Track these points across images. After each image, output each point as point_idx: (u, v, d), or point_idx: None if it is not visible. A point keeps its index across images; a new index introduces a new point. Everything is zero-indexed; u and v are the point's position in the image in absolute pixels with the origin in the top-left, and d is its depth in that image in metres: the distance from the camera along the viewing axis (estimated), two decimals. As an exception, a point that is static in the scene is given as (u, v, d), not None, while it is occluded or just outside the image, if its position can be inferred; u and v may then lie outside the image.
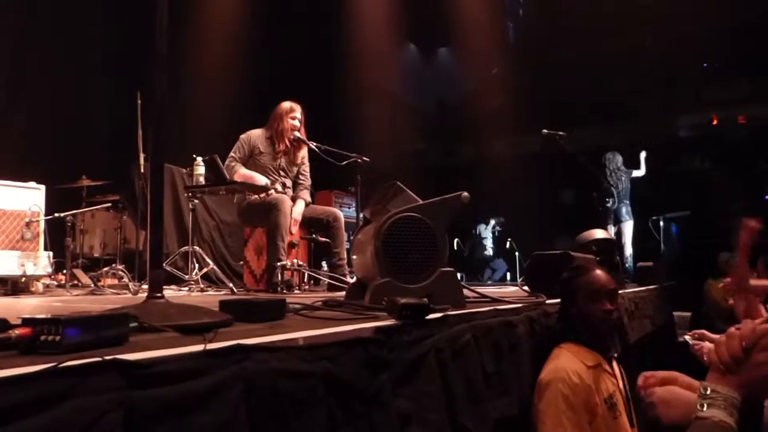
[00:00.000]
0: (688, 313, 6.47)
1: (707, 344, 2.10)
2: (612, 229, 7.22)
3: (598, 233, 4.72)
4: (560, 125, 6.72)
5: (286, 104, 4.44)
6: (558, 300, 2.34)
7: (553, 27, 9.41)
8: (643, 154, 7.59)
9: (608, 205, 7.26)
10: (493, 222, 9.87)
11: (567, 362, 2.03)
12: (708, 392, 1.04)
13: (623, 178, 7.41)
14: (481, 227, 9.89)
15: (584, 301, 2.16)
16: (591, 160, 6.91)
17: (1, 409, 0.63)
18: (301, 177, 4.56)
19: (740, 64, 8.63)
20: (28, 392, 0.67)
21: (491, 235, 9.87)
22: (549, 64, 9.40)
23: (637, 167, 7.56)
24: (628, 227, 7.39)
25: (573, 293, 2.19)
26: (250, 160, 4.38)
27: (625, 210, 7.39)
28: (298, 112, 4.42)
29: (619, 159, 7.44)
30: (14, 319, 0.97)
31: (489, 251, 9.80)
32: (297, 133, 4.42)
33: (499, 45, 9.91)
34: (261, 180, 4.21)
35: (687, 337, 2.10)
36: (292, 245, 4.31)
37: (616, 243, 7.14)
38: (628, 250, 7.36)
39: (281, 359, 0.99)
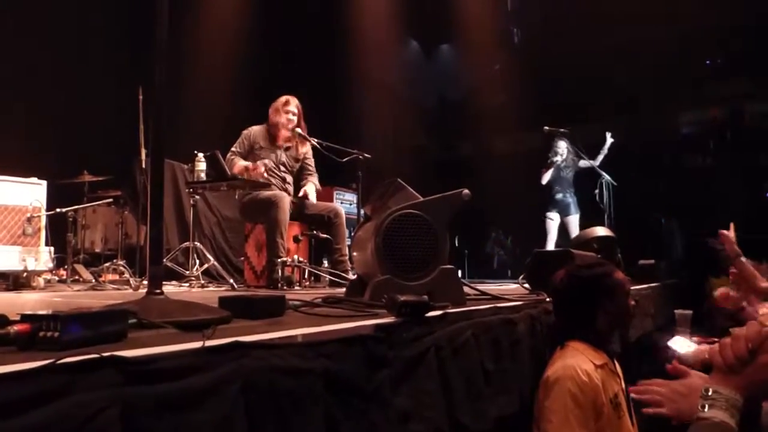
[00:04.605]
0: (690, 311, 6.46)
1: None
2: (556, 222, 6.89)
3: (600, 231, 4.72)
4: (562, 122, 6.71)
5: (281, 98, 4.47)
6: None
7: (554, 23, 9.39)
8: (608, 140, 6.95)
9: (558, 197, 6.87)
10: (493, 236, 9.88)
11: (576, 360, 2.01)
12: (710, 393, 1.04)
13: (571, 166, 6.96)
14: (489, 245, 9.89)
15: (622, 298, 2.17)
16: (593, 156, 6.89)
17: (-1, 404, 0.63)
18: (306, 169, 4.60)
19: (742, 61, 8.60)
20: (26, 388, 0.67)
21: (497, 247, 9.86)
22: (551, 61, 9.38)
23: (591, 157, 6.91)
24: (574, 221, 6.91)
25: (611, 291, 2.16)
26: (250, 155, 4.39)
27: (572, 201, 6.96)
28: (292, 105, 4.44)
29: (564, 145, 6.91)
30: (14, 314, 0.98)
31: (499, 260, 9.80)
32: (298, 129, 4.43)
33: (501, 41, 9.88)
34: (257, 167, 4.23)
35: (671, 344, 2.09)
36: (296, 240, 4.33)
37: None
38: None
39: (280, 356, 0.99)
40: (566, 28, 8.94)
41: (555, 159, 6.88)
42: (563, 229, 6.93)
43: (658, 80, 8.82)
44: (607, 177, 6.58)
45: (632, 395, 1.39)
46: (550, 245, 6.79)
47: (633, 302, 2.19)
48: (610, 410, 1.98)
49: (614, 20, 8.39)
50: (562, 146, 6.91)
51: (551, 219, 6.97)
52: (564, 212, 6.94)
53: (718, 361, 1.08)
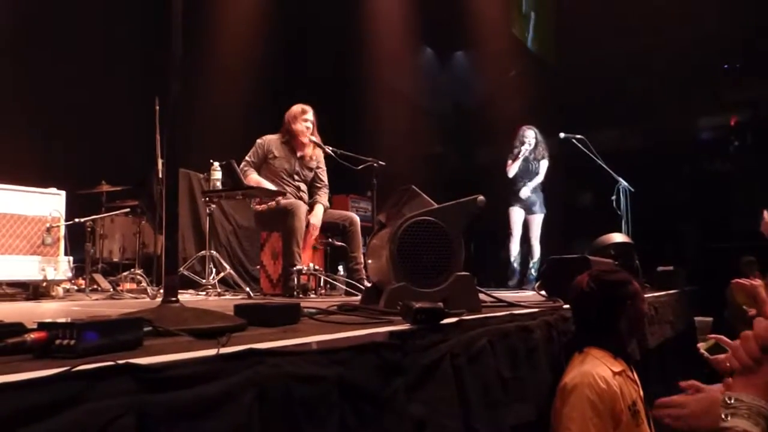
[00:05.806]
0: (710, 318, 6.36)
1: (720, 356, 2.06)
2: (520, 218, 6.44)
3: (617, 237, 4.67)
4: (579, 127, 6.65)
5: (296, 107, 4.46)
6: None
7: (570, 27, 9.36)
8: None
9: (523, 192, 6.38)
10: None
11: (594, 367, 1.99)
12: (732, 401, 1.01)
13: (539, 159, 6.48)
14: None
15: (641, 304, 2.22)
16: (609, 162, 6.82)
17: (15, 412, 0.64)
18: (317, 181, 4.58)
19: (760, 65, 8.50)
20: (41, 396, 0.67)
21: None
22: (567, 65, 9.35)
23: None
24: (537, 220, 6.47)
25: (634, 296, 2.18)
26: (265, 164, 4.40)
27: (538, 198, 6.48)
28: (309, 114, 4.44)
29: (532, 135, 6.44)
30: (33, 323, 0.99)
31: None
32: (313, 137, 4.44)
33: (516, 47, 9.86)
34: (271, 188, 4.23)
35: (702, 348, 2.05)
36: (314, 248, 4.34)
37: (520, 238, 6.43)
38: (536, 251, 6.41)
39: (294, 364, 0.99)
40: (582, 32, 8.90)
41: (522, 148, 6.38)
42: (526, 227, 6.51)
43: (676, 84, 8.74)
44: (624, 183, 6.51)
45: (652, 415, 1.38)
46: (515, 243, 6.44)
47: (649, 310, 2.20)
48: (629, 418, 1.95)
49: (631, 24, 8.34)
50: (530, 135, 6.45)
51: (514, 214, 6.47)
52: (528, 210, 6.48)
53: (735, 364, 1.06)
